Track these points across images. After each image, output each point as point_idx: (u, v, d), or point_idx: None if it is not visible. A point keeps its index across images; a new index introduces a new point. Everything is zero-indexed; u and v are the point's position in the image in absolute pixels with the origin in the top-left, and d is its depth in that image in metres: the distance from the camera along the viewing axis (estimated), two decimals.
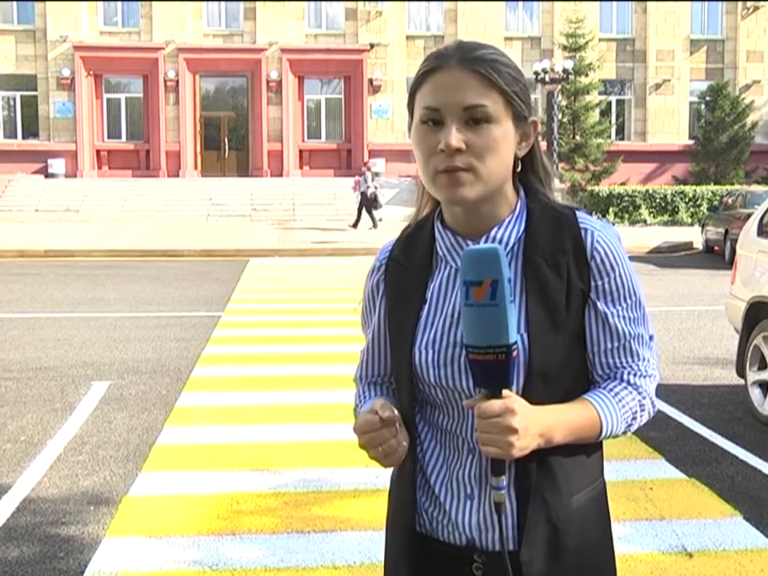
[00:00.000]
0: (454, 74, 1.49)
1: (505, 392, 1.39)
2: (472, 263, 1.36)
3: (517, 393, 1.43)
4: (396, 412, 1.49)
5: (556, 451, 1.48)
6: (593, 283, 1.52)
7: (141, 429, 5.97)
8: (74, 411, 6.42)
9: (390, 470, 1.64)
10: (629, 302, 1.54)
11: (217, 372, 7.74)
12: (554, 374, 1.49)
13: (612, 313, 1.53)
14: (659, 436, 5.69)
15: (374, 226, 23.57)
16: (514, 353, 1.37)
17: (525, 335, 1.47)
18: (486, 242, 1.54)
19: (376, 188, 23.91)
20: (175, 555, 3.91)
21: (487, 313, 1.34)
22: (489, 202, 1.53)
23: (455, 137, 1.46)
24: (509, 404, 1.37)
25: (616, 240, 1.55)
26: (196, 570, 3.78)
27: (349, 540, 4.07)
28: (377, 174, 28.84)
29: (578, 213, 1.56)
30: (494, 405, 1.37)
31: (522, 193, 1.58)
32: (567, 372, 1.52)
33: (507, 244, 1.54)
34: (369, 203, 23.78)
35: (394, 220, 18.69)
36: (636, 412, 1.55)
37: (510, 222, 1.55)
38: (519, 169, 1.56)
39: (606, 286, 1.53)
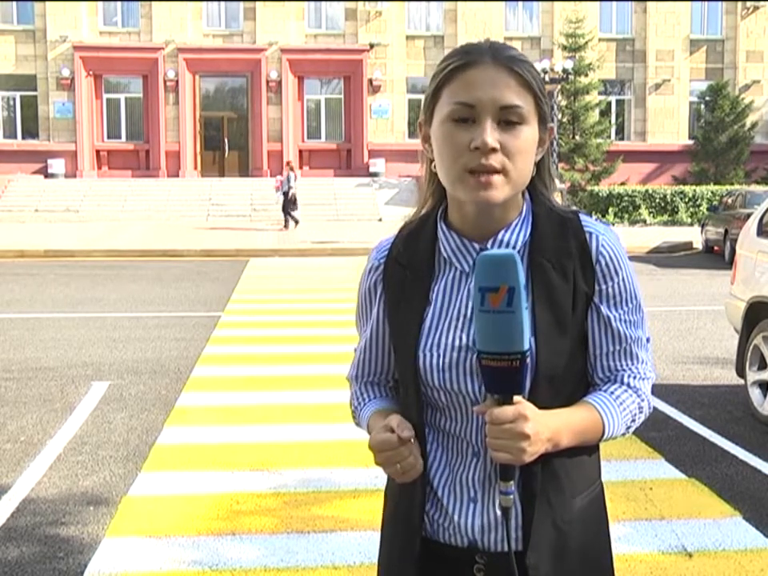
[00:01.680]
0: (489, 70, 1.44)
1: (516, 398, 1.38)
2: (488, 269, 1.33)
3: (523, 396, 1.43)
4: (412, 429, 1.47)
5: (559, 453, 1.48)
6: (597, 287, 1.52)
7: (141, 429, 5.97)
8: (73, 411, 6.42)
9: None
10: (630, 305, 1.55)
11: (217, 372, 7.74)
12: (560, 377, 1.49)
13: (615, 316, 1.53)
14: (659, 436, 5.69)
15: (295, 224, 24.30)
16: (528, 359, 1.37)
17: (532, 339, 1.46)
18: (493, 244, 1.52)
19: (291, 188, 24.38)
20: (175, 555, 3.91)
21: (503, 319, 1.33)
22: (503, 204, 1.51)
23: (491, 135, 1.43)
24: (521, 410, 1.37)
25: (618, 243, 1.55)
26: (196, 570, 3.78)
27: (348, 540, 4.07)
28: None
29: (581, 216, 1.56)
30: (507, 411, 1.36)
31: (527, 196, 1.57)
32: (571, 374, 1.52)
33: (514, 247, 1.52)
34: (288, 204, 24.38)
35: (394, 220, 18.67)
36: (635, 414, 1.55)
37: (516, 225, 1.54)
38: (534, 173, 1.54)
39: (610, 289, 1.53)
